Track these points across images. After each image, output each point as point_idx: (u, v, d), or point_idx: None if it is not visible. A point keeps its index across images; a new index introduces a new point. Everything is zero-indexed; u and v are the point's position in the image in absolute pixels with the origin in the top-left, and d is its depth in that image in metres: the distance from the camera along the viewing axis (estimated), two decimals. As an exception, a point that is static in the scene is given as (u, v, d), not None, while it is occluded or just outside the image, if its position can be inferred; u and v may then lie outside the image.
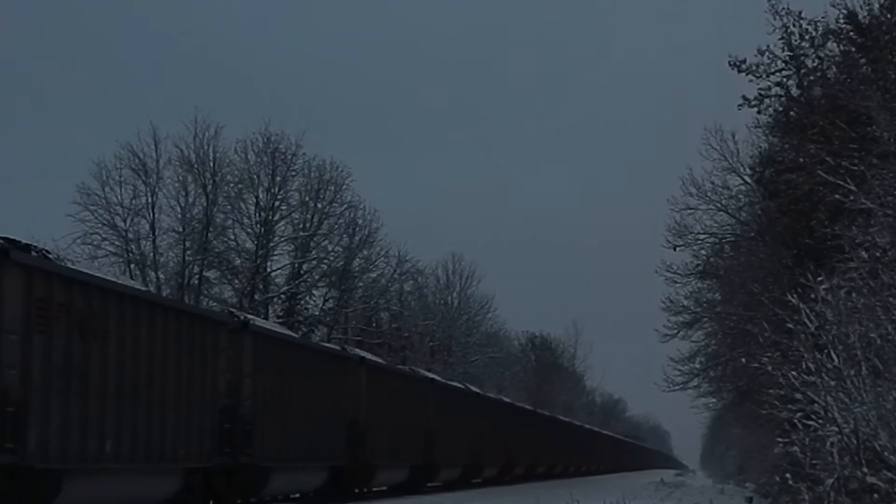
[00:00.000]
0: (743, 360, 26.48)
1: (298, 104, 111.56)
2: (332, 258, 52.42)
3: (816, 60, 27.09)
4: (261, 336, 25.89)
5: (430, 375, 43.90)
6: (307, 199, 50.66)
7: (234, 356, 24.00)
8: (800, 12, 26.69)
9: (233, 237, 49.30)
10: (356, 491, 33.05)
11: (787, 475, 18.59)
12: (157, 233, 46.76)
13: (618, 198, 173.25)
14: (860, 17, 24.68)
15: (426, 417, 39.80)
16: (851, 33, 25.05)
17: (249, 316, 28.22)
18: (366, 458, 32.39)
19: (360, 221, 53.08)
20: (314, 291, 52.88)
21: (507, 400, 61.17)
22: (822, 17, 26.29)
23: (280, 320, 46.42)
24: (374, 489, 35.53)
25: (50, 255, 19.10)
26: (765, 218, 30.72)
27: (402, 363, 51.26)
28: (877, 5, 24.44)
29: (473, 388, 51.95)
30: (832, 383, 16.00)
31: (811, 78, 27.37)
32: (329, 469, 30.08)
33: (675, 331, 39.22)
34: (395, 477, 37.28)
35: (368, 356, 36.59)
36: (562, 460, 73.39)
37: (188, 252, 47.28)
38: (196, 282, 47.35)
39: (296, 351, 28.60)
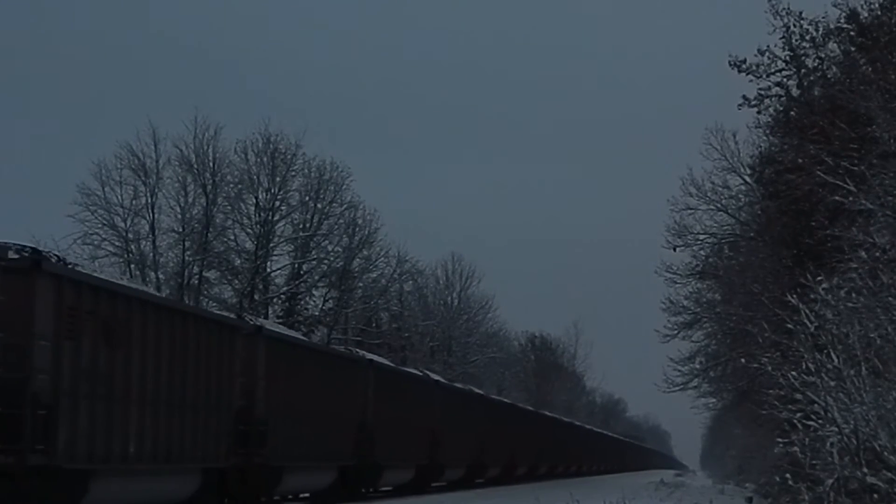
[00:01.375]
0: (743, 360, 26.47)
1: (298, 105, 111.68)
2: (332, 258, 52.46)
3: (817, 60, 27.12)
4: (70, 282, 18.03)
5: (370, 356, 36.88)
6: (307, 199, 50.72)
7: (15, 306, 16.81)
8: (800, 12, 26.73)
9: (233, 237, 49.36)
10: (264, 499, 27.00)
11: (787, 475, 18.60)
12: (156, 233, 46.85)
13: (618, 198, 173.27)
14: (861, 16, 24.68)
15: (362, 407, 33.33)
16: (852, 33, 25.05)
17: (56, 254, 20.13)
18: (265, 457, 25.90)
19: (359, 221, 53.15)
20: (314, 292, 52.95)
21: (477, 391, 55.04)
22: (823, 18, 26.34)
23: (280, 320, 46.41)
24: (291, 496, 29.85)
25: None
26: (765, 218, 30.72)
27: (403, 363, 51.01)
28: (877, 4, 24.45)
29: (433, 376, 45.84)
30: (832, 383, 16.00)
31: (811, 78, 27.37)
32: (204, 472, 23.12)
33: (675, 331, 39.28)
34: (313, 482, 30.33)
35: (269, 325, 29.97)
36: (552, 460, 71.15)
37: (188, 252, 47.30)
38: (196, 282, 47.35)
39: (144, 312, 20.33)
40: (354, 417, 32.49)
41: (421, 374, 44.55)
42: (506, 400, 64.34)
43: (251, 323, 27.01)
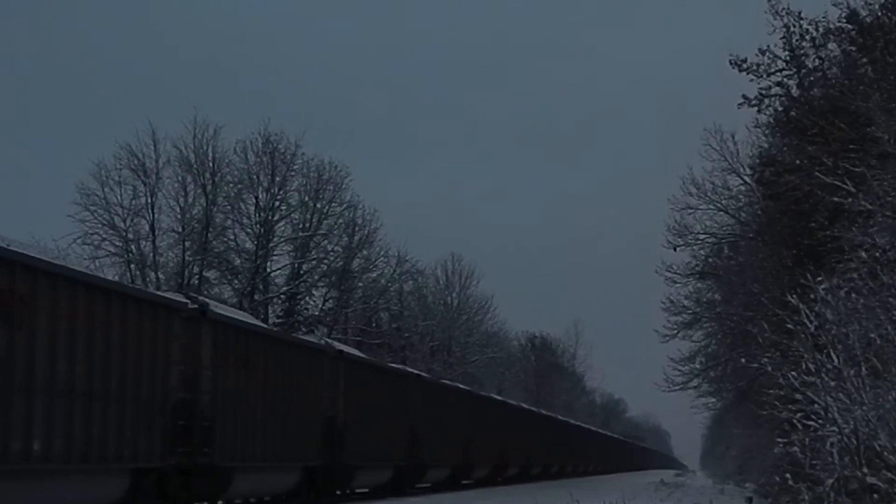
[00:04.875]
0: (743, 360, 26.44)
1: (298, 105, 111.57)
2: (331, 258, 52.50)
3: (817, 61, 27.09)
4: (221, 324, 23.56)
5: (416, 372, 39.01)
6: (307, 199, 50.72)
7: (189, 345, 21.63)
8: (800, 12, 26.71)
9: (232, 237, 49.38)
10: (340, 493, 30.77)
11: (787, 475, 18.60)
12: (156, 233, 46.83)
13: (618, 198, 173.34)
14: (861, 17, 24.67)
15: (411, 414, 36.51)
16: (853, 33, 25.03)
17: (209, 300, 25.47)
18: (345, 458, 30.11)
19: (359, 221, 53.21)
20: (314, 291, 52.98)
21: (499, 398, 55.78)
22: (823, 18, 26.32)
23: (280, 320, 46.41)
24: (353, 491, 32.87)
25: None
26: (764, 218, 30.71)
27: (403, 364, 51.02)
28: (877, 5, 24.43)
29: (462, 386, 47.07)
30: (832, 384, 16.00)
31: (811, 78, 27.35)
32: (301, 470, 27.82)
33: (675, 331, 39.25)
34: (376, 478, 34.22)
35: (346, 349, 33.50)
36: (561, 460, 71.75)
37: (188, 252, 47.31)
38: (196, 282, 47.30)
39: (265, 343, 25.92)
40: (405, 423, 36.25)
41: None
42: (524, 405, 65.77)
43: (334, 348, 31.58)
